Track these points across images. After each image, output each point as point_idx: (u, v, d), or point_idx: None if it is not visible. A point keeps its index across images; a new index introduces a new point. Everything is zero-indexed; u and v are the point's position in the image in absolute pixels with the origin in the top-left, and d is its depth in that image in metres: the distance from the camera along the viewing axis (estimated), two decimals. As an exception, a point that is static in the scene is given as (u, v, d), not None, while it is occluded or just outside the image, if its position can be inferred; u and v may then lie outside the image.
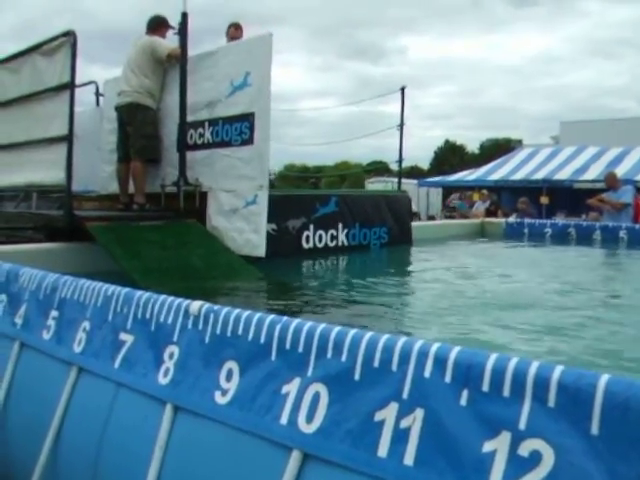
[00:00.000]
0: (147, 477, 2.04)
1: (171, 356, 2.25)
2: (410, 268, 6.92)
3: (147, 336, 2.39)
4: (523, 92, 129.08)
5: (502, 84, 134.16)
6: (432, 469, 1.46)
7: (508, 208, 19.29)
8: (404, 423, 1.54)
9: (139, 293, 2.53)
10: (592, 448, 1.27)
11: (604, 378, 1.29)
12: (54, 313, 2.97)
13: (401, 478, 1.50)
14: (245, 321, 2.04)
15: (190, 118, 6.39)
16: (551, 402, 1.34)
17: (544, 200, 20.61)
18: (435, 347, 1.56)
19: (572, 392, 1.32)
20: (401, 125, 8.74)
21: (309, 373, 1.79)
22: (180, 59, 6.31)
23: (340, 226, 7.22)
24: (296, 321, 1.91)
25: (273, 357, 1.91)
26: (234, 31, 7.51)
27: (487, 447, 1.40)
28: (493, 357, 1.46)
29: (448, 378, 1.51)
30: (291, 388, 1.81)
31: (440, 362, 1.53)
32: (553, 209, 20.24)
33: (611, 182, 11.26)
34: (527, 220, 11.00)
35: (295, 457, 1.70)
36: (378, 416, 1.59)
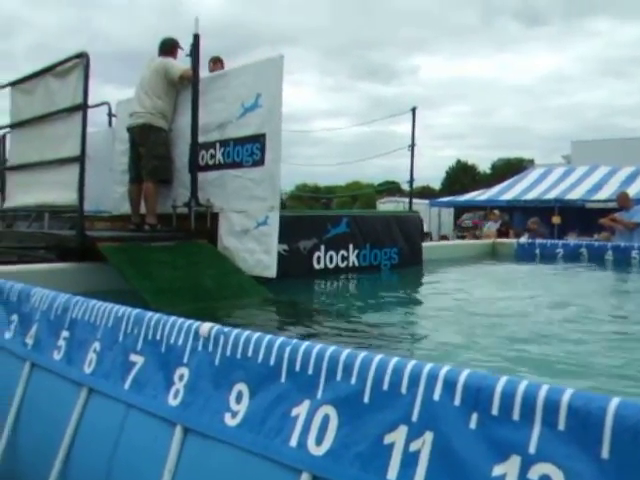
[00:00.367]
0: (157, 499, 2.04)
1: (181, 378, 2.25)
2: (420, 291, 6.88)
3: (157, 357, 2.39)
4: (535, 111, 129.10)
5: (514, 104, 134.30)
6: (442, 493, 1.45)
7: (520, 228, 19.25)
8: (413, 446, 1.53)
9: (149, 314, 2.53)
10: (602, 472, 1.26)
11: (614, 401, 1.29)
12: (65, 333, 2.98)
13: (411, 502, 1.49)
14: (255, 343, 2.04)
15: (202, 139, 6.42)
16: (561, 425, 1.34)
17: (556, 220, 20.52)
18: (445, 370, 1.56)
19: (582, 415, 1.31)
20: (412, 146, 8.75)
21: (319, 395, 1.78)
22: (192, 80, 6.35)
23: (351, 247, 7.22)
24: (306, 343, 1.91)
25: (283, 379, 1.91)
26: (213, 65, 7.61)
27: (497, 471, 1.39)
28: (503, 380, 1.46)
29: (457, 401, 1.50)
30: (301, 410, 1.81)
31: (449, 385, 1.53)
32: (565, 229, 20.12)
33: (623, 202, 11.23)
34: (539, 241, 10.96)
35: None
36: (387, 439, 1.59)
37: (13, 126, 7.05)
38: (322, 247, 6.89)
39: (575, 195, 21.51)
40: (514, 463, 1.37)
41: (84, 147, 5.46)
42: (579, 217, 19.70)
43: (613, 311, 5.38)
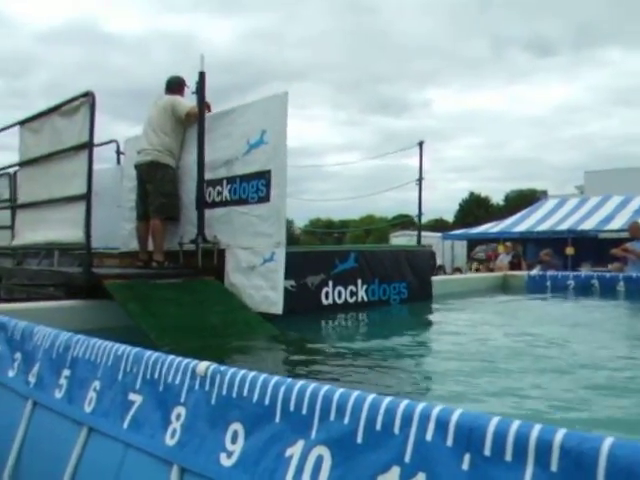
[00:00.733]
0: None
1: (178, 417, 2.24)
2: (428, 328, 6.79)
3: (155, 396, 2.38)
4: (547, 142, 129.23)
5: (526, 135, 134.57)
6: (434, 536, 1.43)
7: (533, 260, 19.18)
8: (407, 487, 1.51)
9: (148, 353, 2.53)
10: (596, 516, 1.23)
11: (608, 441, 1.26)
12: (66, 372, 2.98)
13: None
14: (250, 382, 2.03)
15: (208, 176, 6.45)
16: (554, 466, 1.31)
17: (569, 251, 20.45)
18: (437, 409, 1.54)
19: (575, 456, 1.28)
20: (420, 179, 8.77)
21: (313, 435, 1.77)
22: (198, 117, 6.40)
23: (359, 282, 7.20)
24: (300, 382, 1.90)
25: (277, 419, 1.89)
26: None
27: (489, 513, 1.36)
28: (495, 420, 1.43)
29: (450, 442, 1.48)
30: (295, 451, 1.79)
31: (442, 425, 1.50)
32: (579, 260, 20.04)
33: (635, 232, 11.20)
34: (549, 273, 10.91)
35: (299, 522, 1.67)
36: (381, 480, 1.56)
37: (22, 164, 7.11)
38: (330, 282, 6.87)
39: (588, 226, 21.47)
40: (507, 505, 1.34)
41: (90, 185, 5.49)
42: (592, 248, 19.61)
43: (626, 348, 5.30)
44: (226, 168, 6.41)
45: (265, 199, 5.94)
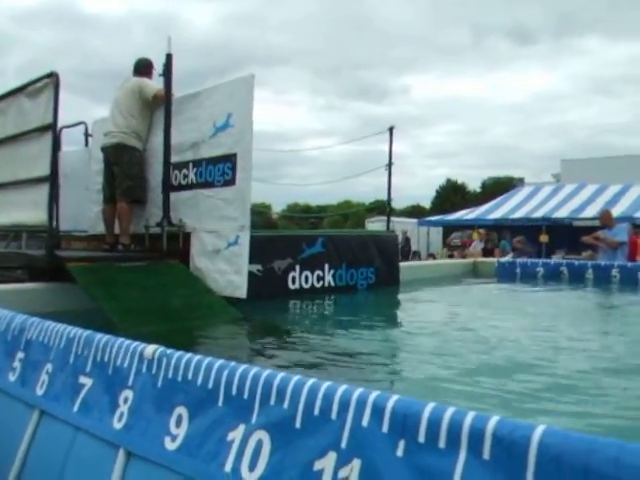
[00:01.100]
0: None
1: (126, 400, 2.22)
2: (394, 312, 6.80)
3: (104, 380, 2.37)
4: (526, 130, 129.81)
5: (505, 122, 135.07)
6: (369, 523, 1.42)
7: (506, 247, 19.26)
8: (342, 473, 1.50)
9: (99, 336, 2.51)
10: (527, 505, 1.22)
11: (539, 429, 1.25)
12: (20, 355, 2.96)
13: (338, 532, 1.46)
14: (195, 366, 2.02)
15: (175, 159, 6.40)
16: (486, 454, 1.30)
17: (543, 238, 20.56)
18: (374, 395, 1.53)
19: (507, 444, 1.28)
20: (389, 165, 8.74)
21: (253, 420, 1.76)
22: (164, 100, 6.34)
23: (327, 267, 7.19)
24: (243, 366, 1.89)
25: (220, 403, 1.89)
26: None
27: (422, 500, 1.35)
28: (430, 406, 1.43)
29: (385, 428, 1.47)
30: (236, 435, 1.78)
31: (378, 411, 1.50)
32: (553, 247, 20.17)
33: (606, 220, 11.26)
34: (519, 260, 10.97)
35: (238, 507, 1.67)
36: (317, 465, 1.56)
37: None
38: (297, 267, 6.86)
39: (562, 213, 21.58)
40: (439, 493, 1.34)
41: (54, 167, 5.43)
42: (567, 235, 19.69)
43: (576, 331, 5.32)
44: (192, 151, 6.36)
45: (231, 182, 5.90)
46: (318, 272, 7.09)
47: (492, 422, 1.32)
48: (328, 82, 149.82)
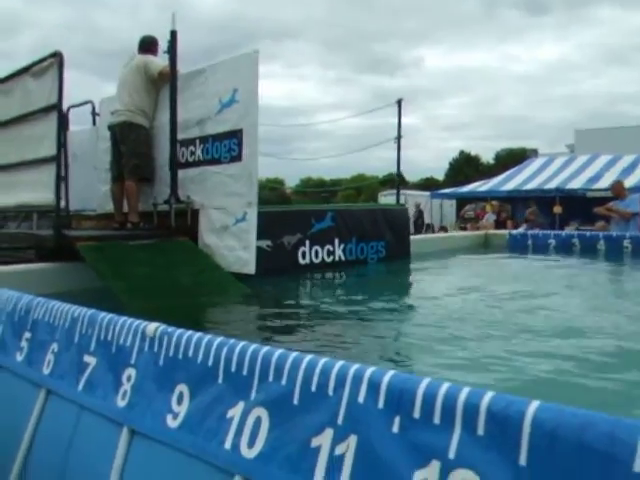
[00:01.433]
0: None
1: (129, 378, 2.24)
2: (404, 288, 6.73)
3: (108, 358, 2.39)
4: (539, 101, 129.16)
5: (518, 93, 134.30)
6: (365, 498, 1.42)
7: (520, 219, 19.21)
8: (338, 450, 1.50)
9: (102, 315, 2.52)
10: (520, 480, 1.21)
11: (534, 405, 1.24)
12: (27, 335, 2.98)
13: (335, 507, 1.46)
14: (195, 343, 2.02)
15: (181, 136, 6.37)
16: (480, 430, 1.29)
17: (557, 210, 20.41)
18: (370, 371, 1.53)
19: (501, 419, 1.27)
20: (398, 138, 8.69)
21: (252, 397, 1.77)
22: (170, 77, 6.31)
23: (337, 241, 7.18)
24: (242, 343, 1.89)
25: (220, 380, 1.89)
26: None
27: (418, 477, 1.35)
28: (425, 382, 1.42)
29: (381, 404, 1.46)
30: (235, 412, 1.79)
31: (374, 387, 1.49)
32: (566, 219, 20.04)
33: (618, 191, 11.17)
34: (530, 232, 10.92)
35: (237, 482, 1.67)
36: (315, 442, 1.56)
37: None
38: (307, 242, 6.85)
39: (576, 184, 21.40)
40: (434, 469, 1.33)
41: (60, 146, 5.44)
42: (580, 206, 19.55)
43: (587, 302, 5.28)
44: (199, 128, 6.34)
45: (237, 158, 5.89)
46: (328, 247, 7.08)
47: (487, 397, 1.30)
48: (339, 55, 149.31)
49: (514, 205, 22.93)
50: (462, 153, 72.79)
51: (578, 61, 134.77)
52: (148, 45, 6.93)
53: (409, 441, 1.39)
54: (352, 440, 1.48)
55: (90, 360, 2.46)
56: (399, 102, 8.59)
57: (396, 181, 9.46)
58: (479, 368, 3.16)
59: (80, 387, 2.43)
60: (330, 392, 1.57)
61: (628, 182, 14.26)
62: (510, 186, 23.58)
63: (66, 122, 8.05)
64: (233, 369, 1.85)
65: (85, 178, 8.01)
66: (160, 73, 6.59)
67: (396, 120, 8.73)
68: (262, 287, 5.72)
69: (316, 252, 6.95)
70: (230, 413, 1.79)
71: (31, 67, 5.95)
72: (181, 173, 6.38)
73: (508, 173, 25.68)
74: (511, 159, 51.87)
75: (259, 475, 1.64)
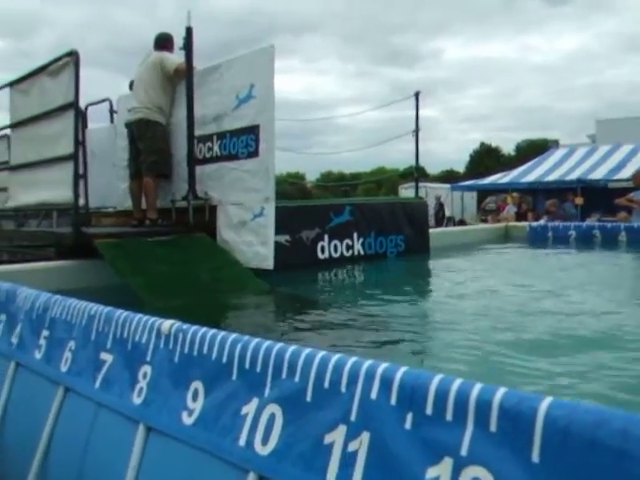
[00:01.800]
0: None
1: (145, 376, 2.25)
2: (424, 281, 6.72)
3: (124, 356, 2.40)
4: (560, 91, 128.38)
5: (538, 84, 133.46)
6: (378, 495, 1.41)
7: (540, 210, 19.05)
8: (351, 447, 1.50)
9: (118, 312, 2.53)
10: (532, 478, 1.19)
11: (546, 401, 1.22)
12: (45, 333, 3.01)
13: (348, 503, 1.45)
14: (210, 340, 2.02)
15: (198, 132, 6.39)
16: (493, 427, 1.28)
17: (578, 201, 20.19)
18: (382, 367, 1.52)
19: (513, 416, 1.25)
20: (416, 130, 8.64)
21: (266, 394, 1.76)
22: (186, 73, 6.32)
23: (355, 235, 7.18)
24: (256, 340, 1.89)
25: (234, 377, 1.89)
26: None
27: (430, 473, 1.33)
28: (437, 378, 1.40)
29: (394, 400, 1.46)
30: (250, 409, 1.79)
31: (386, 383, 1.48)
32: (588, 210, 19.84)
33: (638, 182, 11.06)
34: (550, 224, 10.84)
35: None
36: (328, 439, 1.55)
37: (13, 126, 7.08)
38: (326, 236, 6.86)
39: (598, 175, 21.23)
40: (447, 465, 1.31)
41: (77, 145, 5.47)
42: (602, 197, 19.36)
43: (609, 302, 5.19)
44: (216, 124, 6.34)
45: (254, 154, 5.88)
46: (347, 241, 7.08)
47: (499, 394, 1.29)
48: (358, 48, 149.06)
49: (535, 197, 22.75)
50: (482, 145, 72.42)
51: (598, 50, 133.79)
52: (164, 42, 6.93)
53: (421, 438, 1.38)
54: (365, 437, 1.47)
55: (107, 357, 2.48)
56: (417, 95, 8.55)
57: (415, 174, 9.43)
58: (493, 365, 3.14)
59: (97, 384, 2.45)
60: (343, 389, 1.57)
61: (650, 172, 14.09)
62: (531, 178, 23.44)
63: (84, 120, 8.10)
64: (247, 366, 1.85)
65: (104, 175, 8.05)
66: (176, 70, 6.60)
67: (412, 113, 8.69)
68: (280, 282, 5.72)
69: (335, 246, 6.95)
70: (244, 410, 1.79)
71: (47, 66, 5.99)
72: (199, 169, 6.39)
73: (529, 164, 25.51)
74: (532, 150, 51.46)
75: (273, 472, 1.64)
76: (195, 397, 1.99)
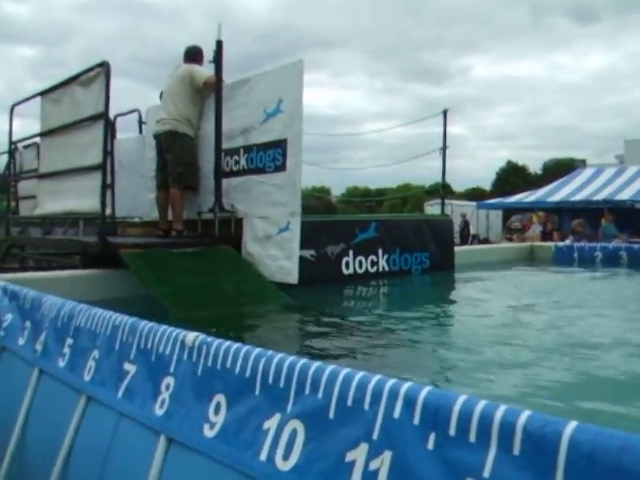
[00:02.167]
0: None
1: (167, 387, 2.25)
2: (448, 302, 6.60)
3: (148, 366, 2.40)
4: (588, 111, 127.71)
5: (566, 103, 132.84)
6: (398, 515, 1.40)
7: (566, 230, 18.90)
8: (373, 465, 1.48)
9: (143, 323, 2.54)
10: (556, 503, 1.18)
11: (571, 425, 1.20)
12: (69, 341, 3.03)
13: (368, 523, 1.44)
14: (234, 354, 2.02)
15: (226, 145, 6.42)
16: (516, 450, 1.26)
17: (608, 219, 20.04)
18: (405, 386, 1.51)
19: (537, 439, 1.23)
20: (444, 148, 8.64)
21: (288, 409, 1.76)
22: (215, 86, 6.36)
23: (380, 251, 7.17)
24: (279, 355, 1.88)
25: (257, 391, 1.88)
26: None
27: (452, 494, 1.33)
28: (461, 399, 1.39)
29: (417, 420, 1.44)
30: (272, 424, 1.78)
31: (410, 403, 1.47)
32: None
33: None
34: (576, 244, 10.76)
35: (272, 495, 1.67)
36: (349, 457, 1.54)
37: (42, 135, 7.17)
38: (351, 252, 6.86)
39: (625, 195, 21.06)
40: (469, 487, 1.31)
41: (105, 155, 5.52)
42: (629, 218, 19.22)
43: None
44: (243, 137, 6.37)
45: (281, 168, 5.90)
46: (372, 257, 7.08)
47: (523, 416, 1.27)
48: (386, 64, 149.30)
49: (561, 216, 22.61)
50: (509, 163, 72.25)
51: (626, 70, 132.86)
52: (193, 55, 6.99)
53: (444, 458, 1.36)
54: (387, 456, 1.46)
55: (130, 368, 2.48)
56: (445, 112, 8.56)
57: (441, 192, 9.41)
58: (518, 387, 3.10)
59: (120, 394, 2.45)
60: (366, 407, 1.56)
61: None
62: (558, 197, 23.31)
63: (113, 130, 8.18)
64: (270, 381, 1.84)
65: (131, 186, 8.12)
66: (205, 82, 6.65)
67: (440, 130, 8.70)
68: (305, 297, 5.72)
69: (360, 262, 6.95)
70: (266, 425, 1.79)
71: (79, 76, 6.07)
72: (225, 182, 6.42)
73: (556, 184, 25.39)
74: (559, 169, 51.16)
75: (293, 488, 1.63)
76: (217, 410, 1.98)
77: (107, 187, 5.68)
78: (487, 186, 70.57)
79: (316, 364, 1.76)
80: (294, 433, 1.70)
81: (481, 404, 1.35)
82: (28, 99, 7.33)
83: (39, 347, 3.25)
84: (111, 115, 6.71)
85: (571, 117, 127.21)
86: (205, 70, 6.76)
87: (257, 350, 1.97)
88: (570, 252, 10.26)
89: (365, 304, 6.21)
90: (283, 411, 1.76)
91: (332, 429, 1.61)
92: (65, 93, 6.42)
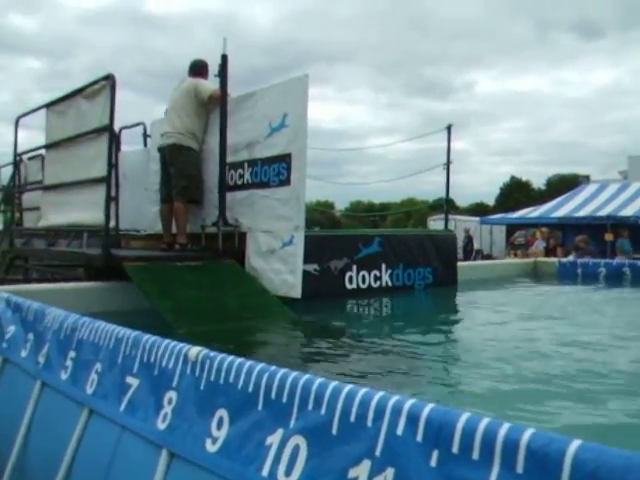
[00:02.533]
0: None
1: (170, 401, 2.24)
2: (451, 318, 6.54)
3: (150, 380, 2.40)
4: (591, 126, 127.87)
5: (570, 118, 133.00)
6: (400, 533, 1.40)
7: (570, 246, 18.88)
8: (375, 482, 1.48)
9: (146, 337, 2.54)
10: (558, 522, 1.18)
11: (575, 444, 1.20)
12: (72, 354, 3.03)
13: (370, 541, 1.44)
14: (237, 369, 2.02)
15: (230, 159, 6.43)
16: (519, 468, 1.26)
17: (609, 237, 20.03)
18: (409, 403, 1.51)
19: (540, 458, 1.23)
20: (447, 163, 8.65)
21: (291, 425, 1.76)
22: (220, 100, 6.38)
23: (384, 266, 7.15)
24: (282, 370, 1.88)
25: (260, 407, 1.88)
26: None
27: (455, 513, 1.32)
28: (464, 417, 1.39)
29: (420, 437, 1.44)
30: (274, 439, 1.78)
31: (413, 420, 1.47)
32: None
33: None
34: (580, 260, 10.74)
35: (273, 511, 1.66)
36: (352, 473, 1.54)
37: (47, 147, 7.19)
38: (354, 267, 6.84)
39: (629, 212, 21.04)
40: (472, 505, 1.30)
41: (110, 168, 5.52)
42: (633, 234, 19.18)
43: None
44: (247, 151, 6.39)
45: (286, 182, 5.91)
46: (375, 272, 7.05)
47: (527, 434, 1.27)
48: (391, 79, 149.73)
49: (565, 232, 22.59)
50: (513, 178, 72.32)
51: (631, 86, 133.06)
52: (199, 68, 7.02)
53: (447, 476, 1.36)
54: (389, 472, 1.46)
55: (132, 381, 2.48)
56: (449, 128, 8.57)
57: (444, 207, 9.41)
58: (520, 405, 3.08)
59: (122, 408, 2.45)
60: (369, 423, 1.56)
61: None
62: (561, 213, 23.29)
63: (118, 143, 8.19)
64: (273, 396, 1.84)
65: (135, 199, 8.12)
66: (210, 96, 6.67)
67: (444, 145, 8.70)
68: (308, 312, 5.71)
69: (363, 277, 6.93)
70: (269, 440, 1.78)
71: (84, 89, 6.09)
72: (229, 196, 6.43)
73: (559, 199, 25.38)
74: (563, 185, 51.15)
75: (295, 505, 1.63)
76: (220, 425, 1.98)
77: (111, 200, 5.67)
78: (491, 201, 70.74)
79: (319, 380, 1.76)
80: (296, 449, 1.70)
81: (484, 421, 1.35)
82: (33, 111, 7.37)
83: (42, 359, 3.25)
84: (116, 128, 6.71)
85: (575, 133, 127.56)
86: (210, 84, 6.78)
87: (260, 365, 1.97)
88: (574, 268, 10.23)
89: (369, 319, 6.19)
90: (286, 426, 1.76)
91: (335, 445, 1.61)
92: (70, 105, 6.44)
